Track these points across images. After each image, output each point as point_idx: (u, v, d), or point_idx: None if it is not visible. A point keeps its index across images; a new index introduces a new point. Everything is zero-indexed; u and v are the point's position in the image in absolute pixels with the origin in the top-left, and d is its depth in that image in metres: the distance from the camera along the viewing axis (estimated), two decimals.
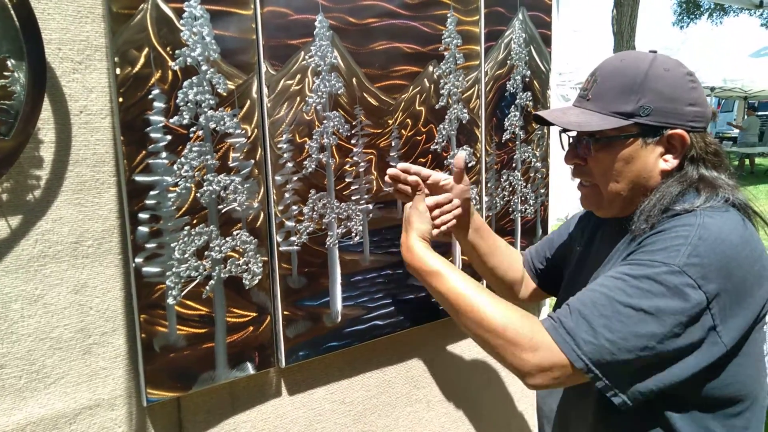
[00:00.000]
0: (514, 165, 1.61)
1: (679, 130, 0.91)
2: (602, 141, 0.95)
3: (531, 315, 0.91)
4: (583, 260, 1.13)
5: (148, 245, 1.05)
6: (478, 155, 1.52)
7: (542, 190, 1.70)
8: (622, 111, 0.92)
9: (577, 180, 1.02)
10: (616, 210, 0.99)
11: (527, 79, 1.59)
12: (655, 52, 0.96)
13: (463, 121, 1.47)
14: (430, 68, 1.39)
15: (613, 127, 0.92)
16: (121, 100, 1.00)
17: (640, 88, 0.91)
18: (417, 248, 1.03)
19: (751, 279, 0.84)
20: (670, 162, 0.93)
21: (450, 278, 0.97)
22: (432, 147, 1.42)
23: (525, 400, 1.80)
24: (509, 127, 1.58)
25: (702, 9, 22.66)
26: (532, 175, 1.66)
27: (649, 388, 0.84)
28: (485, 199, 1.55)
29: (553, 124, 1.01)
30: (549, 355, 0.84)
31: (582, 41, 8.20)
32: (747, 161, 11.57)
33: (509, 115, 1.57)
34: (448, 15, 1.40)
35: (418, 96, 1.38)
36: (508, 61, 1.55)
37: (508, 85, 1.56)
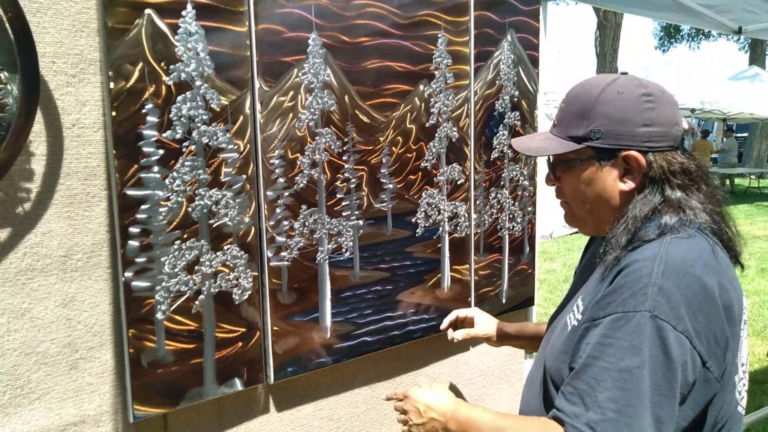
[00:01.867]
0: (502, 183, 1.63)
1: (632, 152, 0.91)
2: (563, 164, 0.99)
3: (546, 420, 0.90)
4: (577, 279, 1.15)
5: (138, 259, 1.05)
6: (467, 173, 1.53)
7: (530, 208, 1.72)
8: (575, 135, 0.95)
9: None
10: (592, 228, 1.01)
11: (515, 99, 1.62)
12: (625, 73, 0.98)
13: (453, 140, 1.49)
14: (421, 87, 1.41)
15: (568, 150, 0.96)
16: (114, 113, 1.00)
17: (590, 113, 0.93)
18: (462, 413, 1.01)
19: (719, 309, 0.84)
20: (628, 183, 0.93)
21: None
22: (422, 164, 1.44)
23: None
24: (498, 146, 1.61)
25: (682, 33, 23.25)
26: (519, 193, 1.68)
27: None
28: (474, 216, 1.57)
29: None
30: None
31: (566, 62, 8.35)
32: (728, 181, 11.82)
33: (498, 134, 1.60)
34: (439, 35, 1.43)
35: (408, 114, 1.40)
36: (497, 81, 1.57)
37: (496, 105, 1.58)
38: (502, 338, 1.39)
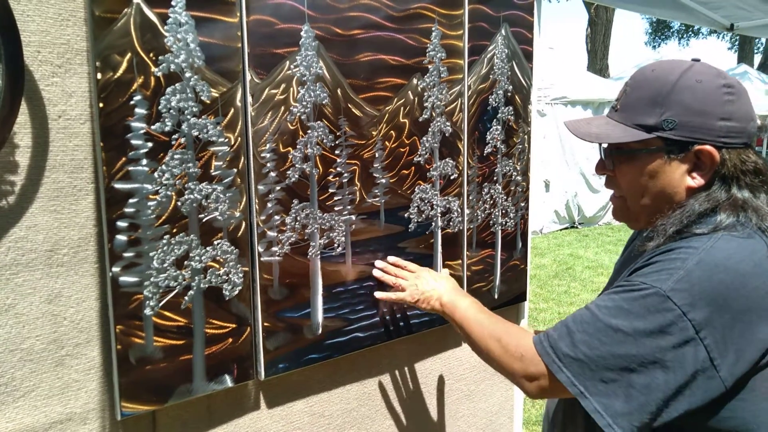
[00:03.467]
0: (495, 178, 1.63)
1: (707, 147, 0.85)
2: (625, 153, 0.92)
3: (527, 330, 0.97)
4: (614, 274, 1.12)
5: (125, 254, 1.03)
6: (461, 168, 1.52)
7: (522, 204, 1.71)
8: (645, 124, 0.87)
9: (610, 192, 1.01)
10: (644, 223, 0.95)
11: (509, 94, 1.61)
12: (698, 60, 0.90)
13: (446, 134, 1.48)
14: (415, 81, 1.39)
15: (634, 140, 0.88)
16: (101, 105, 0.98)
17: (665, 100, 0.86)
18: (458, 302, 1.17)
19: (757, 311, 0.79)
20: (697, 180, 0.87)
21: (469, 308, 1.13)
22: (415, 159, 1.42)
23: (503, 412, 1.81)
24: (491, 141, 1.60)
25: (672, 30, 23.37)
26: (512, 188, 1.68)
27: (641, 419, 0.79)
28: (467, 211, 1.56)
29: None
30: (533, 365, 0.88)
31: (557, 58, 8.37)
32: None
33: (491, 129, 1.59)
34: (433, 29, 1.41)
35: (402, 108, 1.38)
36: (491, 76, 1.56)
37: (490, 99, 1.57)
38: None
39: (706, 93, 0.85)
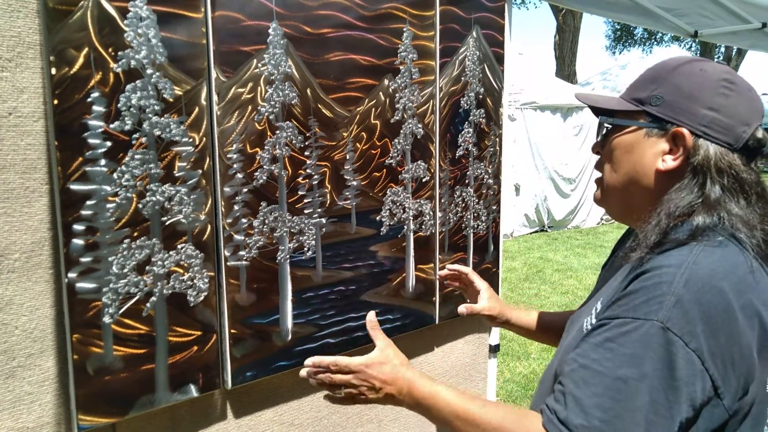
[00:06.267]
0: (467, 181, 1.61)
1: (684, 129, 0.83)
2: (615, 123, 0.92)
3: (528, 412, 0.85)
4: (602, 277, 1.07)
5: (82, 259, 0.97)
6: (433, 171, 1.51)
7: (494, 207, 1.71)
8: (637, 97, 0.89)
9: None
10: (616, 206, 0.94)
11: (480, 96, 1.61)
12: (725, 63, 0.90)
13: (418, 136, 1.46)
14: (386, 82, 1.37)
15: (620, 109, 0.90)
16: (56, 102, 0.93)
17: (662, 80, 0.87)
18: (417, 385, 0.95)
19: (745, 331, 0.75)
20: (667, 163, 0.85)
21: (444, 396, 0.91)
22: (387, 161, 1.40)
23: None
24: (462, 144, 1.59)
25: (635, 38, 23.92)
26: (484, 191, 1.67)
27: None
28: (439, 214, 1.54)
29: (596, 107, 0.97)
30: None
31: (526, 64, 8.48)
32: None
33: (463, 132, 1.58)
34: (405, 29, 1.39)
35: (373, 109, 1.36)
36: (462, 78, 1.55)
37: (462, 102, 1.56)
38: (502, 322, 1.32)
39: (703, 80, 0.84)
